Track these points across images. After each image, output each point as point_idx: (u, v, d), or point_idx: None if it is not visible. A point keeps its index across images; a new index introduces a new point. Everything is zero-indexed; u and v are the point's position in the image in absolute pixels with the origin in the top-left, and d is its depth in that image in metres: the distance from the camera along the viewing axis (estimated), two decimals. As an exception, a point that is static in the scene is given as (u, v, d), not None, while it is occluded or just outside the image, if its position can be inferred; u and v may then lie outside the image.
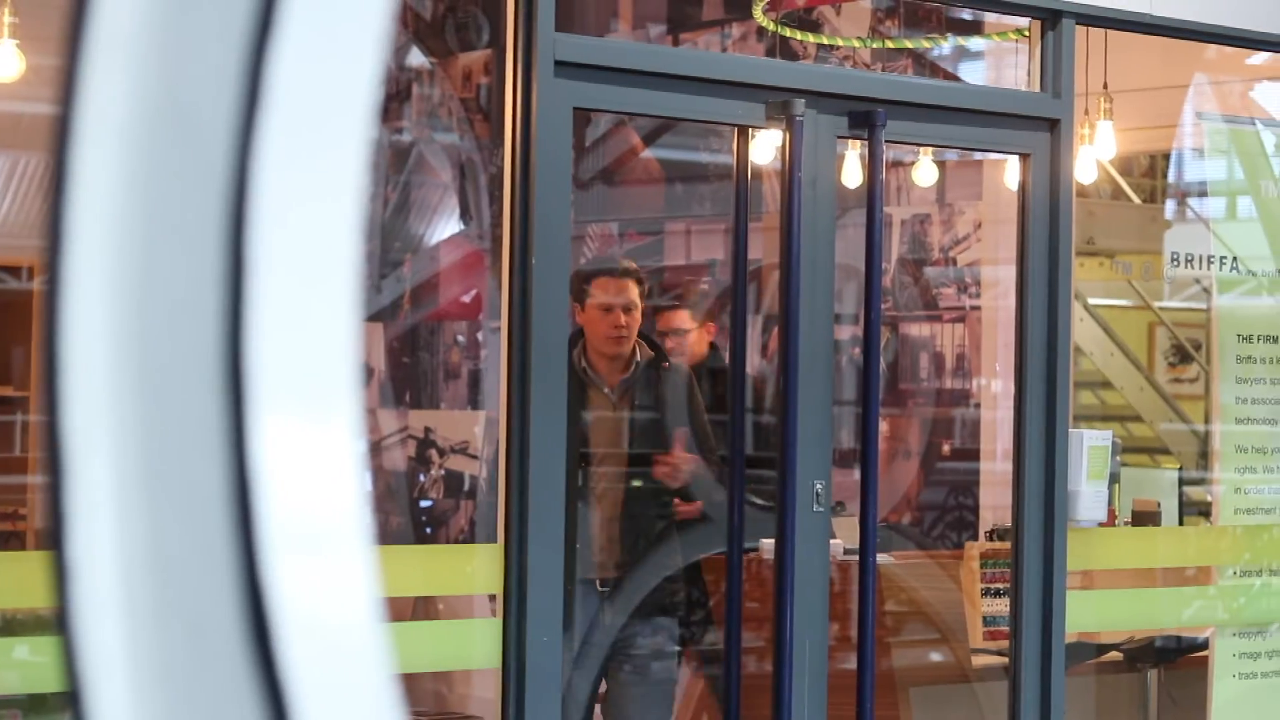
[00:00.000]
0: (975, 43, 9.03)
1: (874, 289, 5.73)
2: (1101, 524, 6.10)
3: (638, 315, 6.74)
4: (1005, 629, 6.25)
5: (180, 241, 1.51)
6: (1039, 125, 6.02)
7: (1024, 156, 6.04)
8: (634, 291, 6.74)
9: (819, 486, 5.49)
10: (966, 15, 8.94)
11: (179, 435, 1.50)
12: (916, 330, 10.78)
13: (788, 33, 7.98)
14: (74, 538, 1.49)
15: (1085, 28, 6.25)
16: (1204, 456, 9.38)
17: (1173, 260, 6.90)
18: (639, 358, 6.75)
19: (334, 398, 1.51)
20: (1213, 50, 8.65)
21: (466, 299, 10.36)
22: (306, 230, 1.52)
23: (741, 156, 5.64)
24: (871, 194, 5.68)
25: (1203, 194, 7.30)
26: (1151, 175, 10.85)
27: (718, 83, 5.47)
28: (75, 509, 1.49)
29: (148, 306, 1.51)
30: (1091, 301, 9.92)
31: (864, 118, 5.60)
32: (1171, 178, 9.25)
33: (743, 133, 5.61)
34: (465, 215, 10.05)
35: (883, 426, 8.26)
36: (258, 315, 1.48)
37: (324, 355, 1.51)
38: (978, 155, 8.98)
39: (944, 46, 9.02)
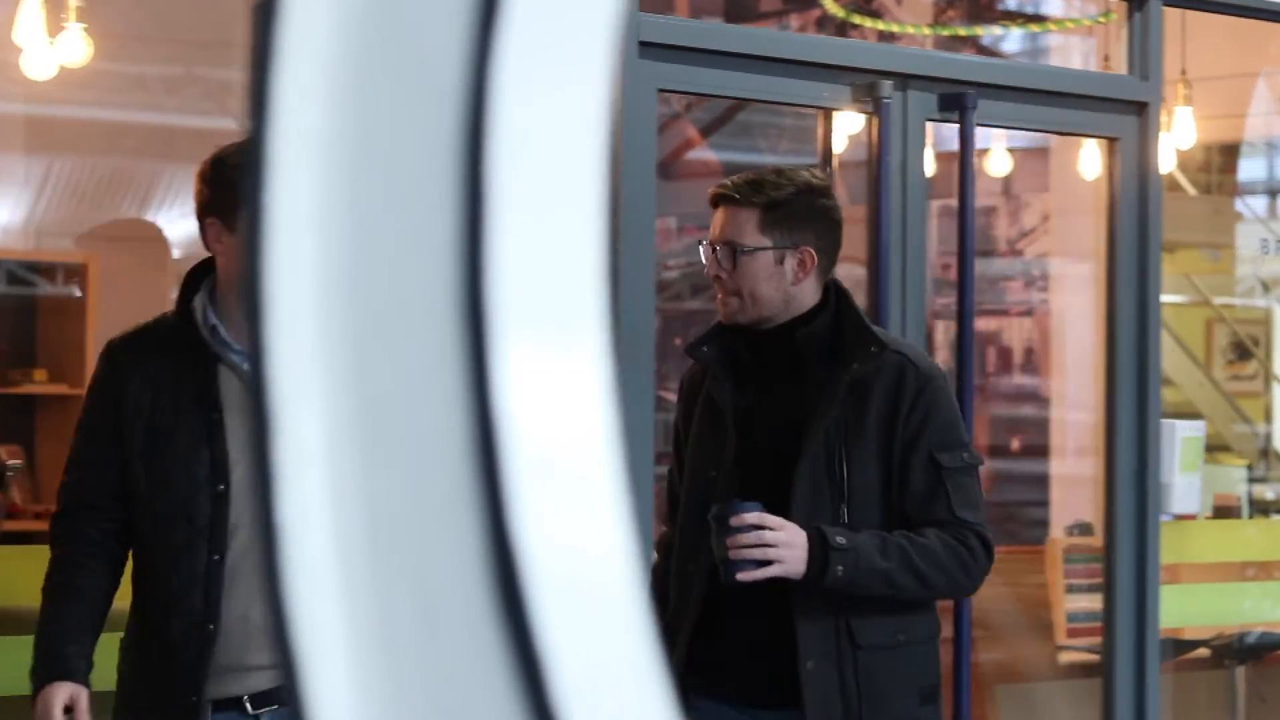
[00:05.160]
0: (1042, 35, 8.88)
1: (967, 281, 5.53)
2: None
3: None
4: (1088, 625, 6.11)
5: (405, 165, 1.37)
6: (1127, 109, 5.85)
7: (1111, 142, 5.88)
8: None
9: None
10: (1030, 9, 8.80)
11: (408, 380, 1.37)
12: (982, 325, 10.61)
13: (856, 19, 7.83)
14: (285, 498, 1.36)
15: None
16: (1264, 454, 9.26)
17: (1263, 246, 6.75)
18: None
19: (583, 326, 1.38)
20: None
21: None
22: (549, 153, 1.39)
23: (825, 141, 5.50)
24: (964, 180, 5.51)
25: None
26: (1207, 169, 10.69)
27: (802, 64, 5.32)
28: (284, 466, 1.37)
29: (365, 242, 1.38)
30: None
31: (955, 100, 5.43)
32: (1241, 172, 9.08)
33: (826, 116, 5.47)
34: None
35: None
36: (499, 245, 1.35)
37: (571, 282, 1.38)
38: (1055, 141, 8.81)
39: (1011, 35, 8.88)
